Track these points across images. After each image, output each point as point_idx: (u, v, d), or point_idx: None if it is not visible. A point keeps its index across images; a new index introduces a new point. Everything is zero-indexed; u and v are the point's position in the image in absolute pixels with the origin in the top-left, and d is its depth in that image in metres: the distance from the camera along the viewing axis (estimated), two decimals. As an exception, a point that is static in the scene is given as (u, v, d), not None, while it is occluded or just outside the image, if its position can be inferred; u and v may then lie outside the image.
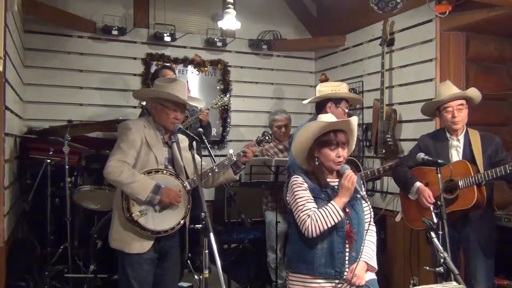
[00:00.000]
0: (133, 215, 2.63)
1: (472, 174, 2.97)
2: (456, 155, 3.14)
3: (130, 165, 2.66)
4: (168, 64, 4.84)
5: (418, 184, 3.17)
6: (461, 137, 3.16)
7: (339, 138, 2.50)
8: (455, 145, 3.16)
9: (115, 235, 2.73)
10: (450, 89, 3.18)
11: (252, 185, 4.11)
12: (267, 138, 3.08)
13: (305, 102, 3.58)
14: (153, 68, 5.04)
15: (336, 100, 3.30)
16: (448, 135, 3.20)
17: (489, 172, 2.90)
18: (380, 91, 4.31)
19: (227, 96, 4.29)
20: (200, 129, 2.90)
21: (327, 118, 2.58)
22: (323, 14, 5.61)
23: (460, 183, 3.01)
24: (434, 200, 3.05)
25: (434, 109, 3.27)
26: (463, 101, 3.14)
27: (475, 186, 2.96)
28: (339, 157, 2.50)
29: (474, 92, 3.17)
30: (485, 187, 3.00)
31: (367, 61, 4.84)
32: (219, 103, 4.23)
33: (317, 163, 2.56)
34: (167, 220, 2.72)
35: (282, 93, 5.68)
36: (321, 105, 3.37)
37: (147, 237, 2.69)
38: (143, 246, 2.68)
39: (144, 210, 2.66)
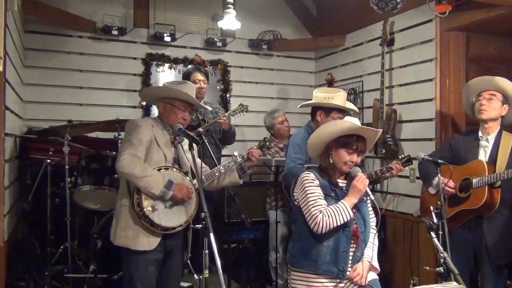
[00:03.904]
0: (144, 210, 2.63)
1: (487, 174, 2.93)
2: (483, 155, 3.09)
3: (142, 160, 2.67)
4: (200, 66, 4.72)
5: (438, 176, 3.12)
6: (491, 138, 3.09)
7: (360, 145, 2.54)
8: (484, 145, 3.11)
9: (121, 232, 2.71)
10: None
11: (253, 184, 4.12)
12: (267, 143, 3.13)
13: (298, 107, 3.61)
14: (153, 68, 5.05)
15: (327, 109, 3.27)
16: (480, 134, 3.15)
17: (502, 173, 2.86)
18: (380, 91, 4.30)
19: (246, 106, 4.28)
20: (200, 129, 2.92)
21: (355, 121, 2.59)
22: (323, 14, 5.62)
23: (474, 182, 2.98)
24: (453, 185, 3.04)
25: (471, 99, 3.19)
26: (496, 93, 3.07)
27: (486, 187, 2.91)
28: (352, 161, 2.53)
29: (504, 82, 3.06)
30: (501, 189, 2.92)
31: (367, 61, 4.83)
32: (237, 111, 4.24)
33: (330, 161, 2.57)
34: (176, 217, 2.74)
35: (282, 93, 5.68)
36: (312, 112, 3.35)
37: (155, 234, 2.69)
38: (150, 242, 2.68)
39: (155, 206, 2.66)
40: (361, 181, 2.47)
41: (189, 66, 4.76)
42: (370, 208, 2.68)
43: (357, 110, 3.42)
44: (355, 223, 2.51)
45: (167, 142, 2.82)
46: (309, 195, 2.49)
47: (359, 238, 2.50)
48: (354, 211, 2.51)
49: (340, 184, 2.58)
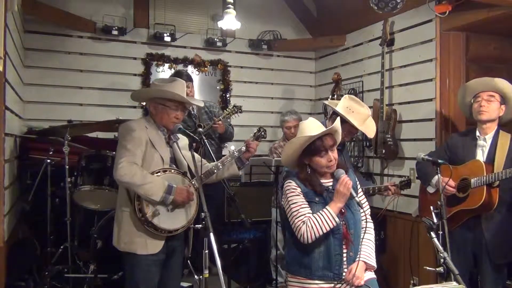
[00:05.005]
0: (146, 215, 2.63)
1: (485, 174, 2.93)
2: (481, 155, 3.09)
3: (140, 165, 2.66)
4: (181, 70, 4.68)
5: (437, 176, 3.08)
6: (489, 137, 3.09)
7: (326, 143, 2.47)
8: (481, 145, 3.11)
9: (125, 238, 2.71)
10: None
11: (253, 184, 4.12)
12: (263, 133, 3.11)
13: (325, 102, 3.57)
14: (153, 68, 5.06)
15: (342, 119, 3.23)
16: (477, 134, 3.15)
17: (500, 173, 2.86)
18: (380, 91, 4.31)
19: (240, 107, 4.27)
20: (200, 129, 2.92)
21: (309, 129, 2.52)
22: (323, 14, 5.61)
23: (472, 182, 2.98)
24: (453, 185, 3.04)
25: (468, 100, 3.19)
26: (495, 94, 3.07)
27: (485, 186, 2.92)
28: (330, 161, 2.49)
29: (504, 84, 3.06)
30: (499, 189, 2.92)
31: (367, 61, 4.83)
32: (231, 113, 4.23)
33: (309, 170, 2.53)
34: (179, 219, 2.74)
35: (282, 93, 5.68)
36: (332, 113, 3.28)
37: (159, 237, 2.70)
38: (155, 246, 2.68)
39: (157, 210, 2.66)
40: (344, 184, 2.41)
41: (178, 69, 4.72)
42: (364, 201, 2.65)
43: (372, 134, 3.27)
44: (345, 224, 2.47)
45: (163, 142, 2.81)
46: (292, 206, 2.48)
47: (349, 240, 2.47)
48: (344, 211, 2.48)
49: (325, 185, 2.54)
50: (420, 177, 3.41)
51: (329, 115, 3.41)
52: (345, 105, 3.13)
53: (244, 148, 2.97)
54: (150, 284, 2.71)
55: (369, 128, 3.21)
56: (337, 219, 2.41)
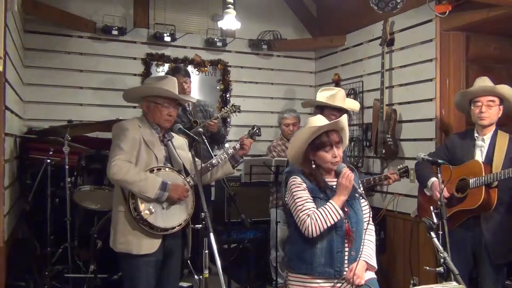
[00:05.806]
0: (142, 213, 2.62)
1: (484, 175, 2.94)
2: (479, 155, 3.10)
3: (133, 164, 2.65)
4: (179, 66, 4.69)
5: (433, 179, 3.15)
6: (487, 138, 3.10)
7: (332, 138, 2.50)
8: (480, 145, 3.11)
9: (121, 238, 2.69)
10: (484, 83, 3.13)
11: (253, 184, 4.12)
12: (257, 131, 3.12)
13: (304, 107, 3.77)
14: (153, 68, 5.06)
15: (321, 108, 3.27)
16: (476, 134, 3.15)
17: (498, 173, 2.86)
18: (380, 91, 4.31)
19: (238, 106, 4.27)
20: (200, 129, 2.92)
21: (317, 121, 2.55)
22: (323, 14, 5.61)
23: (471, 182, 2.99)
24: (446, 195, 3.05)
25: (466, 101, 3.19)
26: (495, 98, 3.07)
27: (483, 187, 2.92)
28: (335, 157, 2.50)
29: (505, 89, 3.06)
30: (497, 189, 2.92)
31: (367, 61, 4.84)
32: (229, 112, 4.23)
33: (313, 166, 2.55)
34: (175, 217, 2.73)
35: (282, 93, 5.69)
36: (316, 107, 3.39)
37: (155, 236, 2.68)
38: (151, 245, 2.67)
39: (152, 208, 2.65)
40: (346, 177, 2.43)
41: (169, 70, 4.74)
42: (366, 203, 2.65)
43: (356, 109, 3.45)
44: (347, 222, 2.48)
45: (156, 141, 2.80)
46: (297, 200, 2.49)
47: (352, 237, 2.48)
48: (346, 209, 2.49)
49: (329, 183, 2.56)
50: (418, 178, 3.42)
51: (313, 112, 3.48)
52: (322, 96, 3.29)
53: (238, 145, 2.97)
54: (148, 285, 2.70)
55: (352, 104, 3.46)
56: (340, 212, 2.43)
